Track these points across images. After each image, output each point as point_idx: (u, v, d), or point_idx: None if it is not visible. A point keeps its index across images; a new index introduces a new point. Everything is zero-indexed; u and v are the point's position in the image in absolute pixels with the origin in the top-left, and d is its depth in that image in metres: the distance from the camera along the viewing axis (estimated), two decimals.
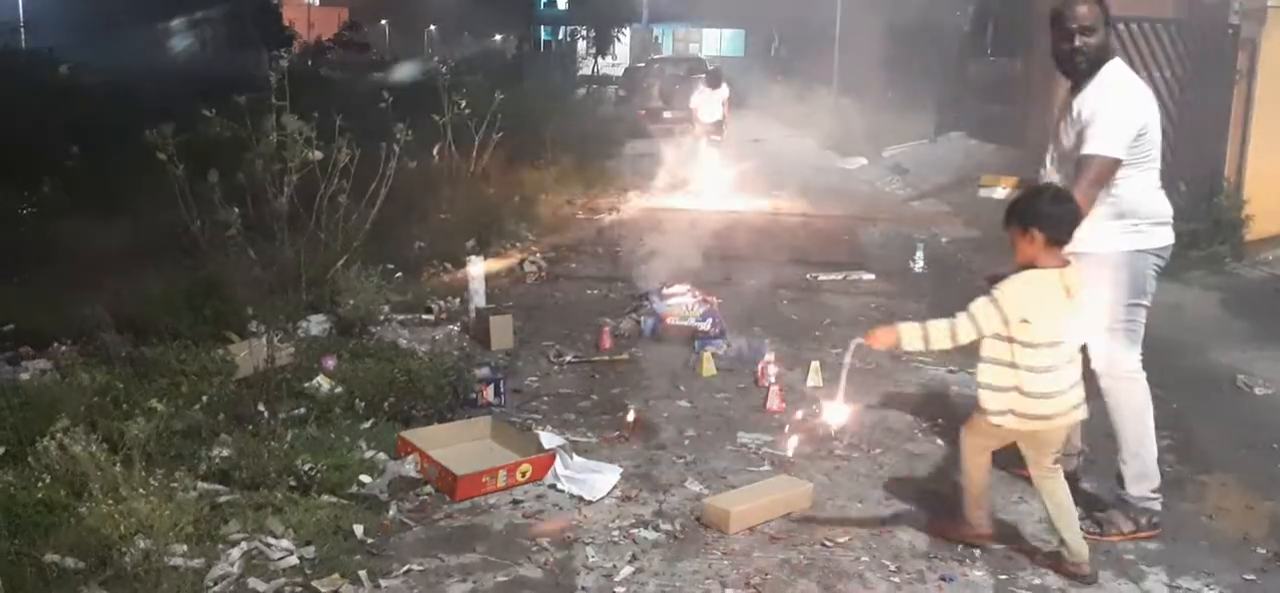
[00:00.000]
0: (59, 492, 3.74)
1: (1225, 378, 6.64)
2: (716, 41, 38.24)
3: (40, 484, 3.67)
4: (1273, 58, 9.50)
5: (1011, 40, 17.46)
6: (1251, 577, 4.22)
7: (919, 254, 10.38)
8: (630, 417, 5.68)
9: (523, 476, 4.83)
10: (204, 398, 5.24)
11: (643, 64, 28.90)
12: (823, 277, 9.50)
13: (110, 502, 3.54)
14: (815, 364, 6.58)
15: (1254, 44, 9.59)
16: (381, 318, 7.16)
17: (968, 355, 7.13)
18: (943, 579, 4.15)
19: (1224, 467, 5.37)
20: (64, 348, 6.31)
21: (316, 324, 6.99)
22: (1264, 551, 4.44)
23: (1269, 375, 6.58)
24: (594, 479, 4.83)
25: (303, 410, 5.35)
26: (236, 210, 7.55)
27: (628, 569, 4.11)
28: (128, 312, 6.36)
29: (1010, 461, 5.32)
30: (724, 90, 16.00)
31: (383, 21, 63.15)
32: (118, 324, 6.35)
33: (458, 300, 7.93)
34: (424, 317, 7.50)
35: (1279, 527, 4.67)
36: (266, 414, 5.17)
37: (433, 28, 68.38)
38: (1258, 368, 6.72)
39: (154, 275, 7.29)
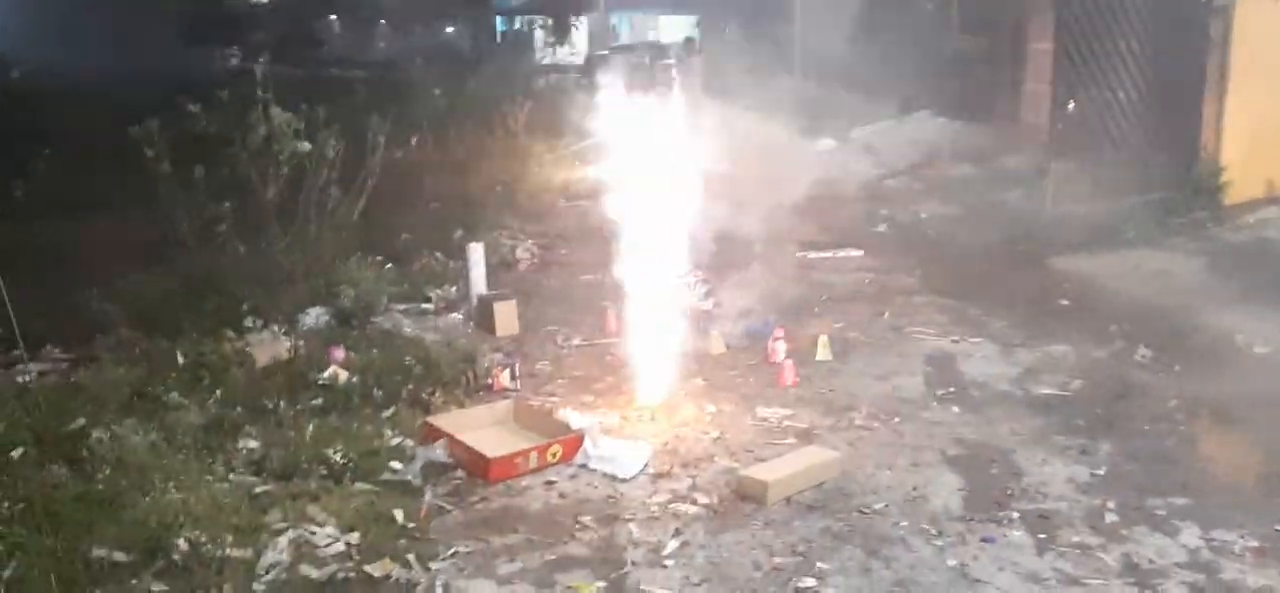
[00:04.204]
0: (97, 486, 3.66)
1: (1224, 339, 6.75)
2: (674, 28, 38.15)
3: (99, 477, 3.58)
4: (1247, 25, 9.64)
5: (978, 16, 17.59)
6: None
7: (902, 230, 10.42)
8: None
9: (553, 456, 4.82)
10: (218, 392, 5.16)
11: (605, 51, 28.75)
12: (813, 255, 9.54)
13: (158, 493, 3.47)
14: (823, 339, 6.61)
15: (1228, 12, 9.73)
16: (382, 308, 7.07)
17: (970, 326, 7.28)
18: (983, 540, 4.19)
19: (1237, 424, 5.49)
20: (57, 351, 6.19)
21: (315, 316, 6.89)
22: None
23: (1266, 335, 6.70)
24: (625, 458, 4.83)
25: (320, 401, 5.27)
26: (227, 205, 7.48)
27: (674, 543, 4.11)
28: (127, 311, 6.23)
29: (1030, 425, 5.39)
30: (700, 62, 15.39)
31: (332, 16, 62.41)
32: (119, 323, 6.25)
33: (453, 289, 7.85)
34: (424, 306, 7.42)
35: None
36: (286, 406, 5.10)
37: (383, 21, 67.64)
38: (1253, 328, 6.83)
39: (143, 275, 7.14)
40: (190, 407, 4.61)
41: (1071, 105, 9.53)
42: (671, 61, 23.67)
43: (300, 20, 46.77)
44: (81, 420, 4.39)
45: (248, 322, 6.61)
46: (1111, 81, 9.89)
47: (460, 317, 7.16)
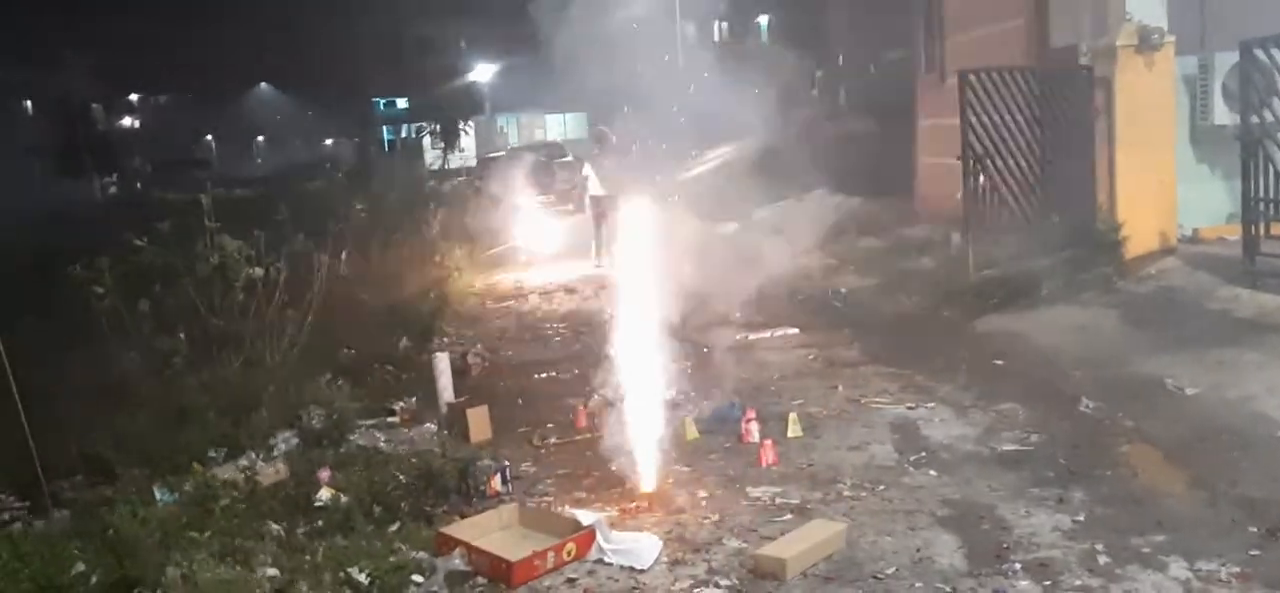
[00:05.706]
0: None
1: (1155, 384, 7.21)
2: (560, 127, 38.82)
3: None
4: (1127, 93, 10.42)
5: (865, 99, 18.52)
6: (1256, 552, 4.67)
7: (828, 305, 10.84)
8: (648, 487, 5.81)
9: (569, 554, 4.91)
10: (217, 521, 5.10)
11: (503, 153, 29.08)
12: (753, 336, 9.84)
13: None
14: (793, 416, 6.85)
15: (1109, 81, 10.51)
16: (353, 426, 7.04)
17: (920, 392, 7.63)
18: (995, 592, 4.43)
19: (1187, 461, 5.89)
20: (12, 499, 6.03)
21: (285, 440, 6.83)
22: (1255, 529, 4.91)
23: (1191, 377, 7.19)
24: (640, 548, 4.95)
25: (321, 524, 5.26)
26: (182, 335, 7.41)
27: None
28: (99, 451, 6.11)
29: (1004, 481, 5.68)
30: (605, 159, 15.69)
31: (208, 136, 61.53)
32: (87, 466, 6.12)
33: (414, 399, 7.86)
34: (390, 419, 7.41)
35: (1256, 507, 5.15)
36: (290, 530, 5.09)
37: (260, 138, 66.96)
38: (1179, 372, 7.32)
39: (98, 415, 6.97)
40: (204, 540, 4.57)
41: (981, 177, 10.13)
42: (569, 159, 23.97)
43: (177, 142, 46.04)
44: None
45: (212, 452, 6.55)
46: (1012, 150, 10.56)
47: (432, 427, 7.17)
